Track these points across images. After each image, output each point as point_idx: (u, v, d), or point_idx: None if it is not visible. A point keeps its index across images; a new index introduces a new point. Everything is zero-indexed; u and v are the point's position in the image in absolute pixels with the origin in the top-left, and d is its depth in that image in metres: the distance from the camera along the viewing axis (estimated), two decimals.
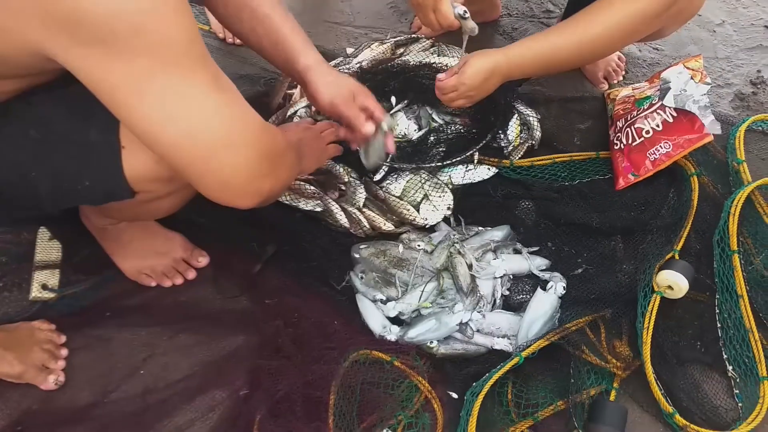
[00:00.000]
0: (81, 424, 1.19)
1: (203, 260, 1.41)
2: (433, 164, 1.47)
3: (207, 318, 1.35)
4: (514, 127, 1.55)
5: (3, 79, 0.93)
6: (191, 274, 1.40)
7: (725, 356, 1.26)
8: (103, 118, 0.89)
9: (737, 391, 1.22)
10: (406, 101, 1.60)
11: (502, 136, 1.53)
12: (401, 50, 1.72)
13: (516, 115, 1.57)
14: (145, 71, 0.78)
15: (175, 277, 1.39)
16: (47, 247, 1.38)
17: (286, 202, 1.46)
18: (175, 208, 1.19)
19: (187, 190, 1.11)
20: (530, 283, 1.36)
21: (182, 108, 0.82)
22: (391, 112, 1.55)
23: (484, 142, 1.48)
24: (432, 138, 1.54)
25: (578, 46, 1.29)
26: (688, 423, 1.15)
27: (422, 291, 1.31)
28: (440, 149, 1.52)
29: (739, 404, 1.21)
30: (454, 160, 1.47)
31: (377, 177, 1.48)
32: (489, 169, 1.50)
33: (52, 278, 1.35)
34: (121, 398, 1.23)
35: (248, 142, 0.87)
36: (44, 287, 1.33)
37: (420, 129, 1.56)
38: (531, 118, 1.58)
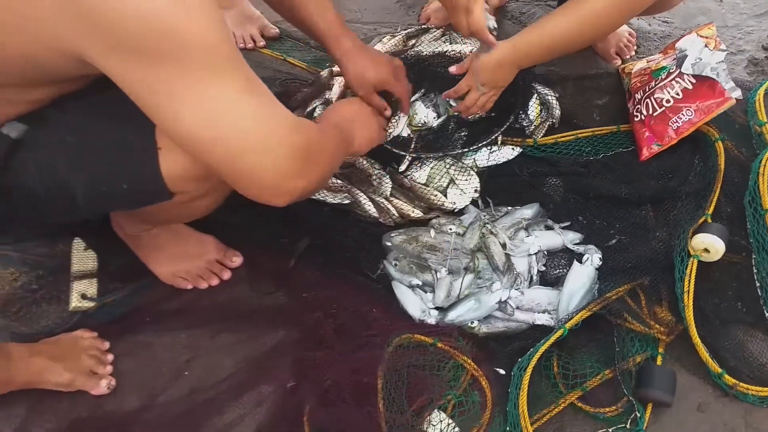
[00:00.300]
0: (131, 429, 1.20)
1: (237, 260, 1.42)
2: (458, 150, 1.48)
3: (246, 316, 1.36)
4: (534, 107, 1.56)
5: (38, 87, 0.94)
6: (226, 275, 1.40)
7: (767, 314, 1.25)
8: (139, 121, 0.91)
9: None
10: (422, 90, 1.61)
11: (523, 116, 1.54)
12: (413, 41, 1.73)
13: (535, 95, 1.58)
14: (178, 75, 0.81)
15: (211, 278, 1.40)
16: (83, 257, 1.39)
17: (314, 197, 1.47)
18: (211, 208, 1.20)
19: (224, 188, 1.12)
20: (565, 257, 1.36)
21: (215, 112, 0.84)
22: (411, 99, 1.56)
23: (507, 123, 1.48)
24: (452, 124, 1.55)
25: (581, 25, 1.29)
26: (737, 381, 1.15)
27: (460, 285, 1.31)
28: (462, 134, 1.52)
29: None
30: (479, 145, 1.47)
31: (402, 167, 1.49)
32: (513, 149, 1.50)
33: (91, 288, 1.36)
34: (169, 401, 1.24)
35: (279, 144, 0.89)
36: (83, 296, 1.35)
37: (439, 116, 1.57)
38: (549, 97, 1.59)
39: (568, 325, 1.18)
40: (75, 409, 1.22)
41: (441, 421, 1.13)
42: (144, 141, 0.97)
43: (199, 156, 0.90)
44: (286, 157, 0.90)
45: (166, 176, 0.99)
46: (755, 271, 1.30)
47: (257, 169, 0.89)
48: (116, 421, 1.21)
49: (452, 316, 1.28)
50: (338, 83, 1.61)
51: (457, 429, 1.14)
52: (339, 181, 1.47)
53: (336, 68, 1.63)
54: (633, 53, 1.76)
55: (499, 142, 1.51)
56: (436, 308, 1.31)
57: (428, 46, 1.68)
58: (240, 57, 0.86)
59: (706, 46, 1.49)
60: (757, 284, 1.29)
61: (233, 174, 0.91)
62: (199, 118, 0.84)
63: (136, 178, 1.00)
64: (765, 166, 1.34)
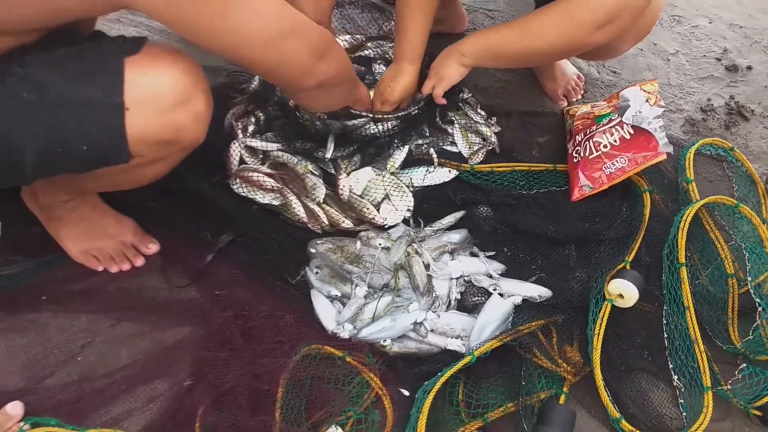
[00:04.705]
0: None
1: (153, 247, 1.37)
2: (411, 110, 1.51)
3: (152, 307, 1.30)
4: (459, 134, 1.59)
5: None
6: (139, 261, 1.35)
7: (671, 366, 1.28)
8: (106, 80, 0.92)
9: (682, 401, 1.24)
10: None
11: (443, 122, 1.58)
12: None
13: (457, 125, 1.60)
14: None
15: (123, 262, 1.34)
16: None
17: (243, 194, 1.44)
18: (159, 175, 1.16)
19: (178, 155, 1.11)
20: (483, 290, 1.35)
21: (260, 11, 0.95)
22: None
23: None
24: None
25: (524, 39, 1.38)
26: (633, 429, 1.17)
27: (375, 306, 1.29)
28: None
29: (684, 413, 1.23)
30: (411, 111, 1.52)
31: (328, 155, 1.47)
32: (449, 171, 1.50)
33: None
34: (56, 385, 1.17)
35: (302, 33, 1.03)
36: None
37: None
38: (481, 126, 1.61)
39: (476, 353, 1.18)
40: None
41: None
42: (110, 100, 0.93)
43: (241, 52, 0.99)
44: (310, 44, 1.05)
45: (131, 138, 0.96)
46: (665, 322, 1.33)
47: (291, 52, 1.03)
48: None
49: (366, 332, 1.25)
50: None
51: None
52: (272, 181, 1.44)
53: None
54: (580, 96, 1.80)
55: (436, 163, 1.51)
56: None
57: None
58: None
59: (647, 100, 1.54)
60: (665, 335, 1.31)
61: (277, 58, 1.02)
62: (247, 17, 0.93)
63: (98, 138, 0.96)
64: (686, 221, 1.38)
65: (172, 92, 0.98)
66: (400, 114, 1.51)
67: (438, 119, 1.59)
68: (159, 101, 0.97)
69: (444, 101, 1.52)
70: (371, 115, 1.48)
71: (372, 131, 1.50)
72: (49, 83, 0.92)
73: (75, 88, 0.93)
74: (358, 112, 1.47)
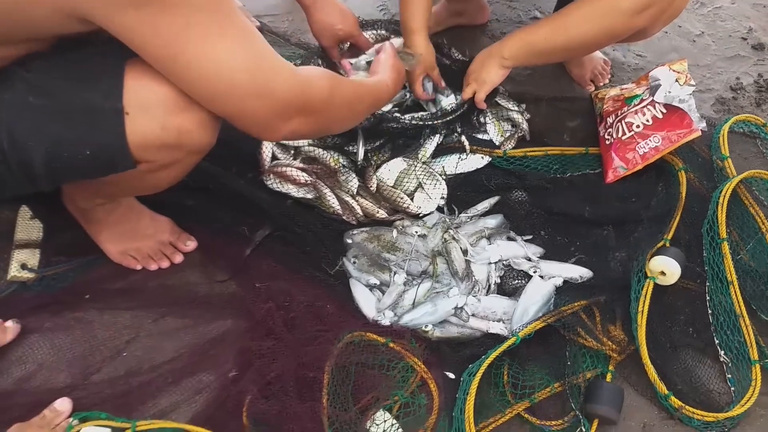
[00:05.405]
0: None
1: (191, 244, 1.38)
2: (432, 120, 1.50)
3: (194, 302, 1.32)
4: (493, 125, 1.58)
5: (7, 45, 0.90)
6: (178, 258, 1.36)
7: (717, 341, 1.26)
8: (106, 85, 0.90)
9: (729, 376, 1.23)
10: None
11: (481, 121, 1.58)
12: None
13: (489, 114, 1.60)
14: (184, 28, 0.85)
15: (161, 260, 1.35)
16: (28, 226, 1.33)
17: (277, 189, 1.44)
18: (175, 180, 1.14)
19: (188, 159, 1.07)
20: (523, 273, 1.35)
21: (216, 62, 0.89)
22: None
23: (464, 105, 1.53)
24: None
25: (565, 35, 1.38)
26: (683, 404, 1.15)
27: (415, 293, 1.29)
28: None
29: (732, 388, 1.22)
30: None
31: (360, 156, 1.47)
32: (482, 158, 1.50)
33: (32, 258, 1.30)
34: (103, 380, 1.19)
35: (267, 95, 0.96)
36: (23, 267, 1.28)
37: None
38: (513, 113, 1.60)
39: (521, 334, 1.17)
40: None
41: (385, 421, 1.10)
42: (110, 105, 0.92)
43: (196, 98, 0.94)
44: (280, 104, 0.97)
45: (132, 143, 0.95)
46: (708, 298, 1.31)
47: (254, 112, 0.96)
48: (43, 396, 1.14)
49: (407, 318, 1.25)
50: None
51: (400, 430, 1.10)
52: (305, 176, 1.45)
53: None
54: (607, 81, 1.79)
55: (468, 150, 1.51)
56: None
57: None
58: (237, 10, 0.90)
59: (676, 80, 1.53)
60: (709, 311, 1.30)
61: (235, 116, 0.98)
62: (200, 64, 0.88)
63: (100, 143, 0.94)
64: (725, 196, 1.36)
65: (172, 96, 0.94)
66: (441, 118, 1.51)
67: (474, 117, 1.58)
68: (159, 105, 0.94)
69: (485, 106, 1.52)
70: (419, 123, 1.49)
71: (402, 124, 1.50)
72: (53, 88, 0.92)
73: (77, 92, 0.92)
74: (404, 119, 1.48)
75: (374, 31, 1.72)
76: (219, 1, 0.87)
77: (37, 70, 0.93)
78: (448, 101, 1.55)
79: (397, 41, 1.46)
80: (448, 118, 1.51)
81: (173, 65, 0.89)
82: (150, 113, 0.94)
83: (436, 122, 1.50)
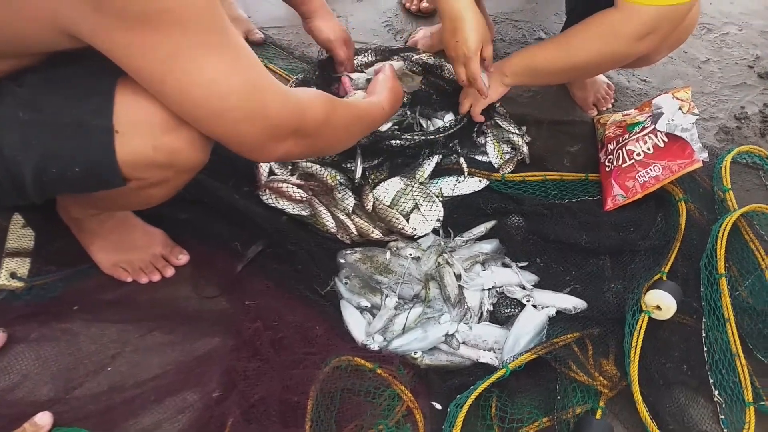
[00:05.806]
0: None
1: (183, 258, 1.36)
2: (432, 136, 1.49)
3: (182, 317, 1.30)
4: (493, 146, 1.57)
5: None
6: (169, 272, 1.35)
7: (711, 380, 1.24)
8: (97, 102, 0.89)
9: (723, 417, 1.21)
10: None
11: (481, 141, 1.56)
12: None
13: (490, 135, 1.59)
14: (173, 49, 0.82)
15: (153, 273, 1.34)
16: (20, 234, 1.32)
17: (273, 205, 1.43)
18: (167, 197, 1.12)
19: (180, 177, 1.06)
20: (516, 301, 1.33)
21: (205, 86, 0.87)
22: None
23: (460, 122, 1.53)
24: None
25: (566, 57, 1.38)
26: None
27: (405, 318, 1.27)
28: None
29: (725, 430, 1.19)
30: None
31: (357, 174, 1.45)
32: (480, 180, 1.49)
33: (22, 267, 1.29)
34: (86, 395, 1.17)
35: (259, 119, 0.94)
36: (13, 275, 1.27)
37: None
38: (513, 135, 1.59)
39: (511, 366, 1.15)
40: None
41: None
42: (100, 122, 0.91)
43: (187, 120, 0.93)
44: (270, 128, 0.95)
45: (122, 161, 0.93)
46: (704, 335, 1.29)
47: (245, 135, 0.94)
48: (25, 409, 1.12)
49: (397, 344, 1.24)
50: None
51: None
52: (301, 192, 1.43)
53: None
54: (610, 105, 1.78)
55: (466, 173, 1.49)
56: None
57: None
58: (231, 28, 0.88)
59: (680, 108, 1.51)
60: (705, 348, 1.27)
61: (224, 137, 0.96)
62: (189, 88, 0.86)
63: (89, 161, 0.93)
64: (724, 230, 1.34)
65: (164, 115, 0.92)
66: (442, 133, 1.50)
67: (474, 135, 1.58)
68: (150, 124, 0.93)
69: (482, 118, 1.52)
70: (417, 139, 1.47)
71: (400, 142, 1.48)
72: (44, 104, 0.90)
73: (67, 109, 0.90)
74: (406, 137, 1.46)
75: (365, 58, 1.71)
76: (212, 20, 0.85)
77: (28, 85, 0.92)
78: (447, 119, 1.54)
79: (397, 64, 1.45)
80: (447, 133, 1.50)
81: (161, 87, 0.87)
82: (140, 132, 0.93)
83: (436, 137, 1.48)
